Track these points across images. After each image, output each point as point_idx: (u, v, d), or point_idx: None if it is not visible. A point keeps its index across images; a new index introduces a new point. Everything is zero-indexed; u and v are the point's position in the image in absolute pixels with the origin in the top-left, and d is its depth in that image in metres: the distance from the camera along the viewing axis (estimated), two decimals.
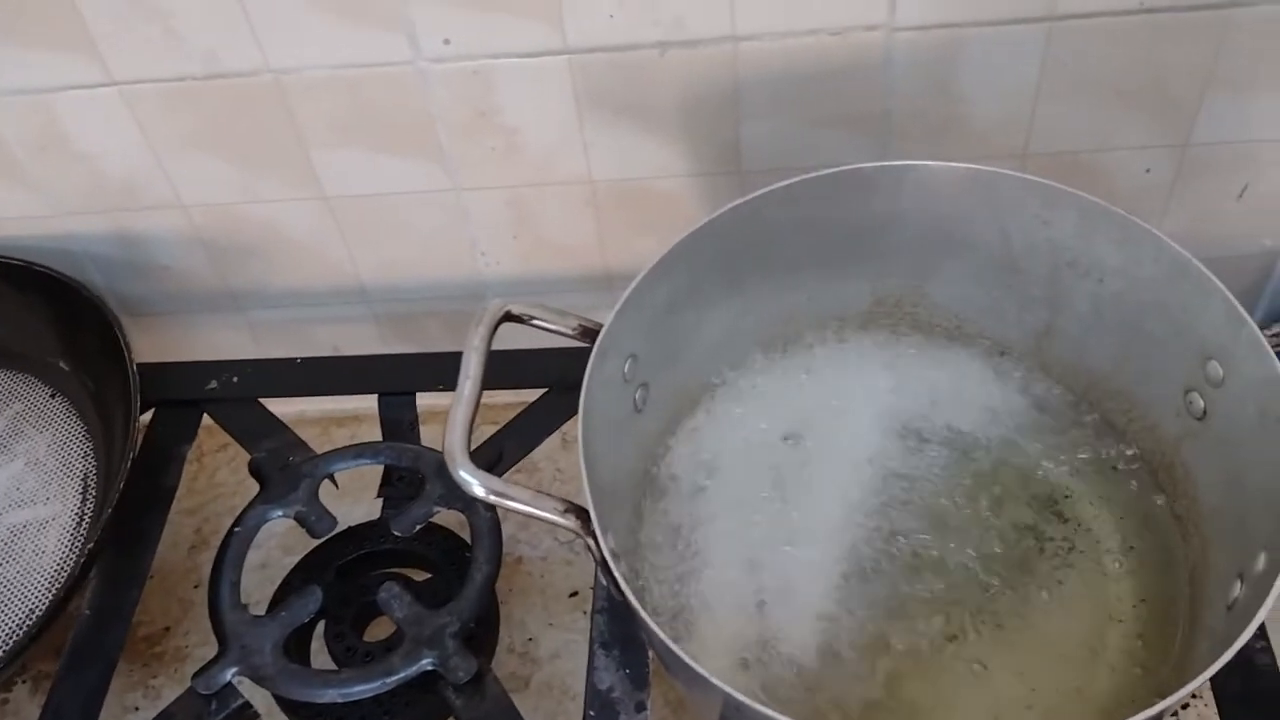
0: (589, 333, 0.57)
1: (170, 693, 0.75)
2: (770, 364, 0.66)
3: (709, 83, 0.67)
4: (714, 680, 0.44)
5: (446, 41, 0.66)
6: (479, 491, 0.50)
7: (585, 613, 0.77)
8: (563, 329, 0.57)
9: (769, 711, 0.43)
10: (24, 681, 0.76)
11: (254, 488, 0.85)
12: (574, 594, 0.78)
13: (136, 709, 0.75)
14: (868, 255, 0.63)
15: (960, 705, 0.54)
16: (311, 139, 0.71)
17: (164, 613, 0.79)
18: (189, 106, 0.70)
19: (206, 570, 0.81)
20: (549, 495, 0.51)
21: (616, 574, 0.47)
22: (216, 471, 0.87)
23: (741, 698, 0.44)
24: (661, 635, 0.45)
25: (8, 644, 0.66)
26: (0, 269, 0.76)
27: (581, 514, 0.50)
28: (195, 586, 0.81)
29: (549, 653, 0.75)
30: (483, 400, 0.86)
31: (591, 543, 0.51)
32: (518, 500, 0.50)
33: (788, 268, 0.63)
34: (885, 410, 0.64)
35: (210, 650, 0.76)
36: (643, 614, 0.46)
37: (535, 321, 0.56)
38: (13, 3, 0.65)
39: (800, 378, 0.65)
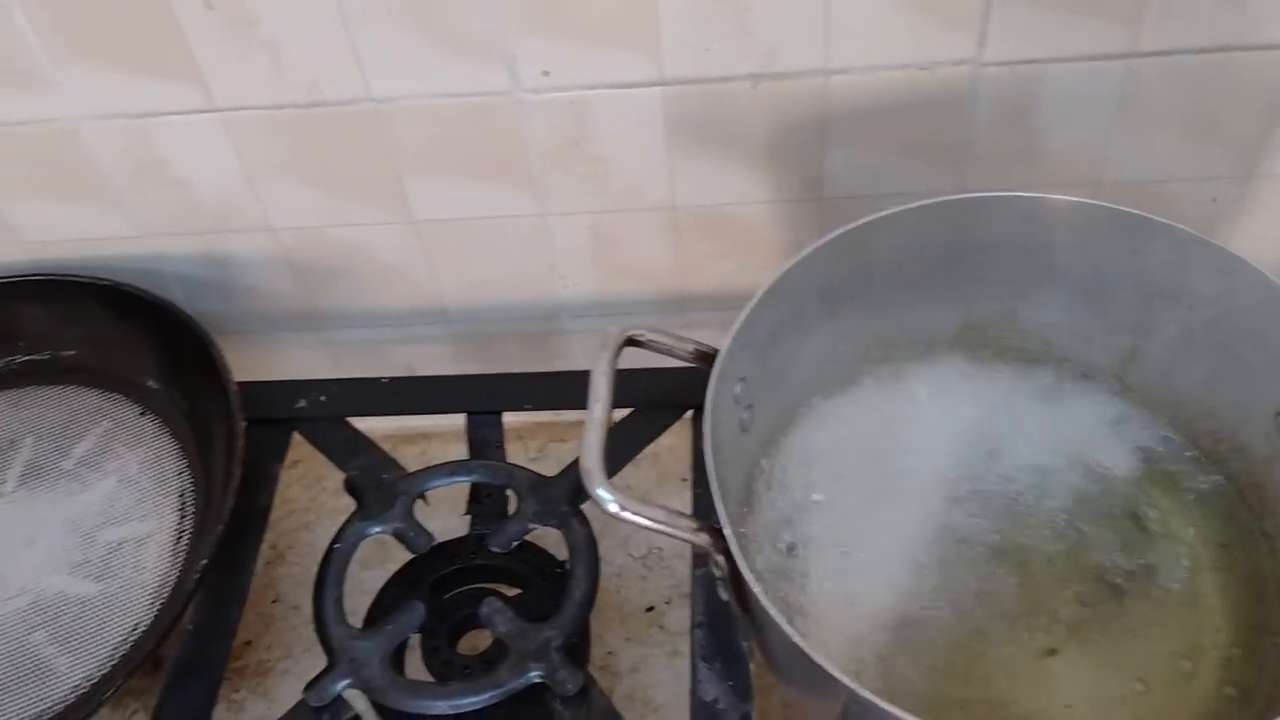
0: (703, 356, 0.59)
1: (254, 706, 0.77)
2: (864, 387, 0.68)
3: (798, 114, 0.70)
4: (845, 680, 0.46)
5: (546, 73, 0.68)
6: (614, 509, 0.52)
7: (662, 627, 0.79)
8: (680, 352, 0.59)
9: (897, 711, 0.45)
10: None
11: (326, 505, 0.87)
12: (650, 609, 0.79)
13: None
14: (960, 282, 0.65)
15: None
16: (405, 165, 0.73)
17: (245, 627, 0.80)
18: (287, 133, 0.71)
19: (283, 585, 0.83)
20: (680, 514, 0.53)
21: (755, 588, 0.49)
22: (289, 488, 0.88)
23: (870, 696, 0.46)
24: (797, 639, 0.47)
25: (113, 659, 0.67)
26: (89, 289, 0.77)
27: (714, 533, 0.52)
28: (274, 601, 0.82)
29: (629, 666, 0.77)
30: (561, 419, 0.89)
31: (721, 559, 0.53)
32: (652, 519, 0.52)
33: (883, 294, 0.65)
34: (972, 432, 0.66)
35: (292, 664, 0.79)
36: (782, 623, 0.48)
37: (654, 345, 0.58)
38: (121, 31, 0.67)
39: (891, 401, 0.68)
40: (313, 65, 0.68)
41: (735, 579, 0.53)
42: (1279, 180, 0.72)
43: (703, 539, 0.53)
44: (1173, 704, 0.56)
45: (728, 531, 0.51)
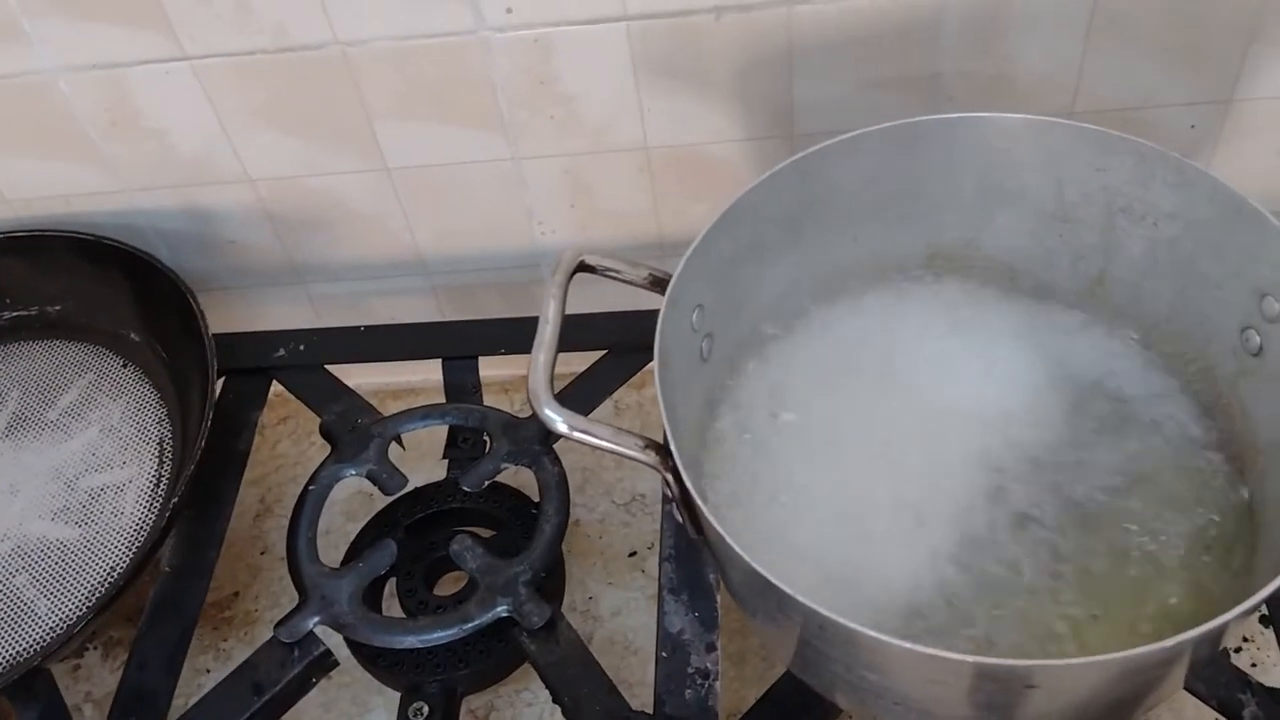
0: (659, 282, 0.59)
1: (240, 654, 0.77)
2: (826, 316, 0.67)
3: (763, 47, 0.69)
4: (798, 596, 0.45)
5: (509, 10, 0.68)
6: (562, 428, 0.52)
7: (644, 572, 0.79)
8: (634, 279, 0.59)
9: (853, 625, 0.44)
10: (95, 647, 0.78)
11: (314, 458, 0.88)
12: (632, 554, 0.80)
13: (208, 671, 0.77)
14: (923, 208, 0.64)
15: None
16: (375, 110, 0.73)
17: (232, 579, 0.81)
18: (258, 80, 0.72)
19: (272, 537, 0.84)
20: (628, 432, 0.53)
21: (698, 501, 0.49)
22: (278, 443, 0.89)
23: (825, 611, 0.45)
24: (745, 556, 0.47)
25: (91, 600, 0.68)
26: (71, 243, 0.78)
27: (661, 449, 0.52)
28: (262, 553, 0.83)
29: (610, 610, 0.77)
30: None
31: (670, 478, 0.53)
32: (599, 437, 0.52)
33: (844, 221, 0.64)
34: (936, 356, 0.65)
35: (278, 613, 0.78)
36: (728, 539, 0.48)
37: (608, 271, 0.58)
38: None
39: (854, 329, 0.67)
40: (278, 8, 0.68)
41: (685, 499, 0.53)
42: (1259, 104, 0.71)
43: (650, 456, 0.52)
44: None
45: (674, 448, 0.51)
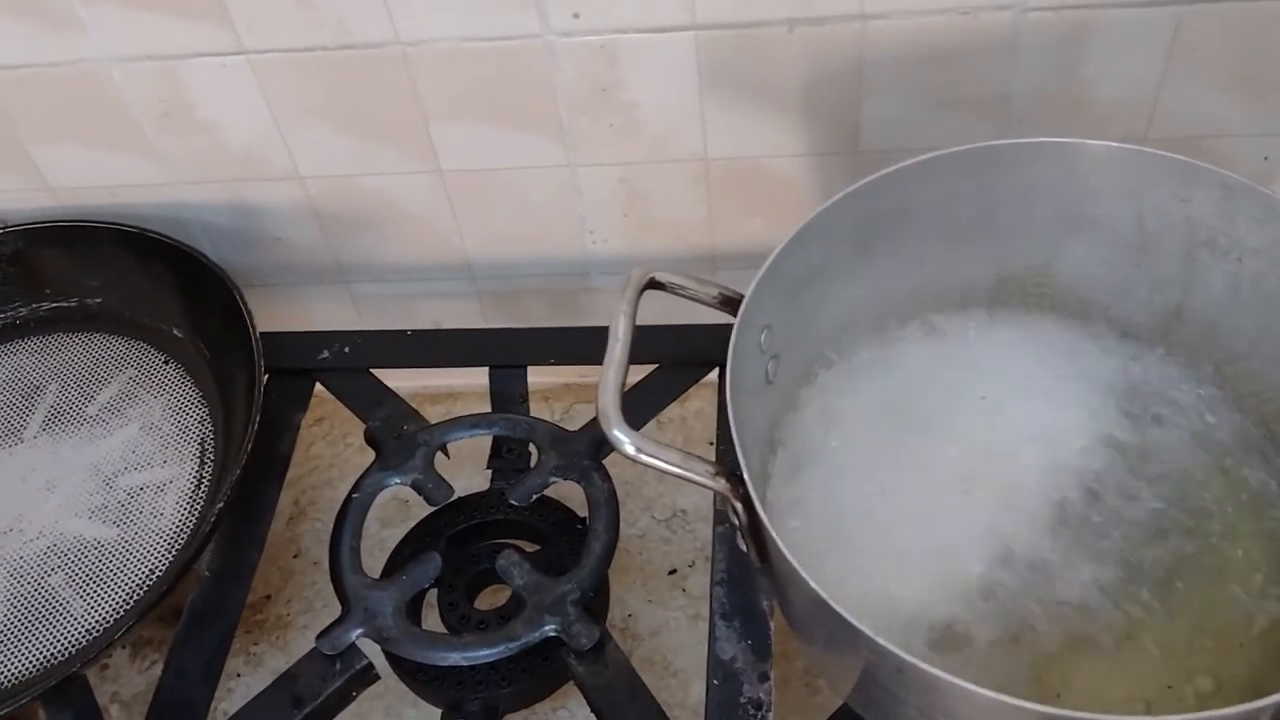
0: (729, 302, 0.57)
1: (272, 660, 0.76)
2: (890, 340, 0.66)
3: (834, 61, 0.68)
4: (881, 640, 0.44)
5: (576, 15, 0.67)
6: (630, 450, 0.51)
7: (684, 590, 0.77)
8: (704, 297, 0.57)
9: (942, 674, 0.43)
10: (124, 647, 0.77)
11: (350, 460, 0.87)
12: (673, 571, 0.78)
13: (239, 675, 0.75)
14: (996, 233, 0.63)
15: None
16: (432, 111, 0.72)
17: (264, 581, 0.80)
18: (316, 77, 0.70)
19: (305, 540, 0.83)
20: (698, 458, 0.51)
21: (774, 535, 0.47)
22: (313, 445, 0.88)
23: (911, 658, 0.44)
24: (824, 594, 0.45)
25: (129, 603, 0.67)
26: (116, 235, 0.77)
27: (731, 476, 0.51)
28: (295, 556, 0.82)
29: (649, 629, 0.75)
30: (588, 380, 0.87)
31: (740, 506, 0.51)
32: (668, 461, 0.51)
33: (914, 244, 0.63)
34: (1000, 384, 0.64)
35: (312, 618, 0.78)
36: (803, 573, 0.46)
37: (678, 289, 0.57)
38: None
39: (920, 355, 0.66)
40: (340, 4, 0.67)
41: (754, 527, 0.51)
42: None
43: (720, 484, 0.51)
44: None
45: (747, 476, 0.50)
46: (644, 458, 0.51)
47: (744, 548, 0.54)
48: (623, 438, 0.50)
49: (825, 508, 0.60)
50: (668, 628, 0.76)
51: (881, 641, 0.44)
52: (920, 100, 0.69)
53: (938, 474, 0.61)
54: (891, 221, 0.61)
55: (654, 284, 0.56)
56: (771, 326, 0.59)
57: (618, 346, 0.53)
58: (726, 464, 0.52)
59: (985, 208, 0.62)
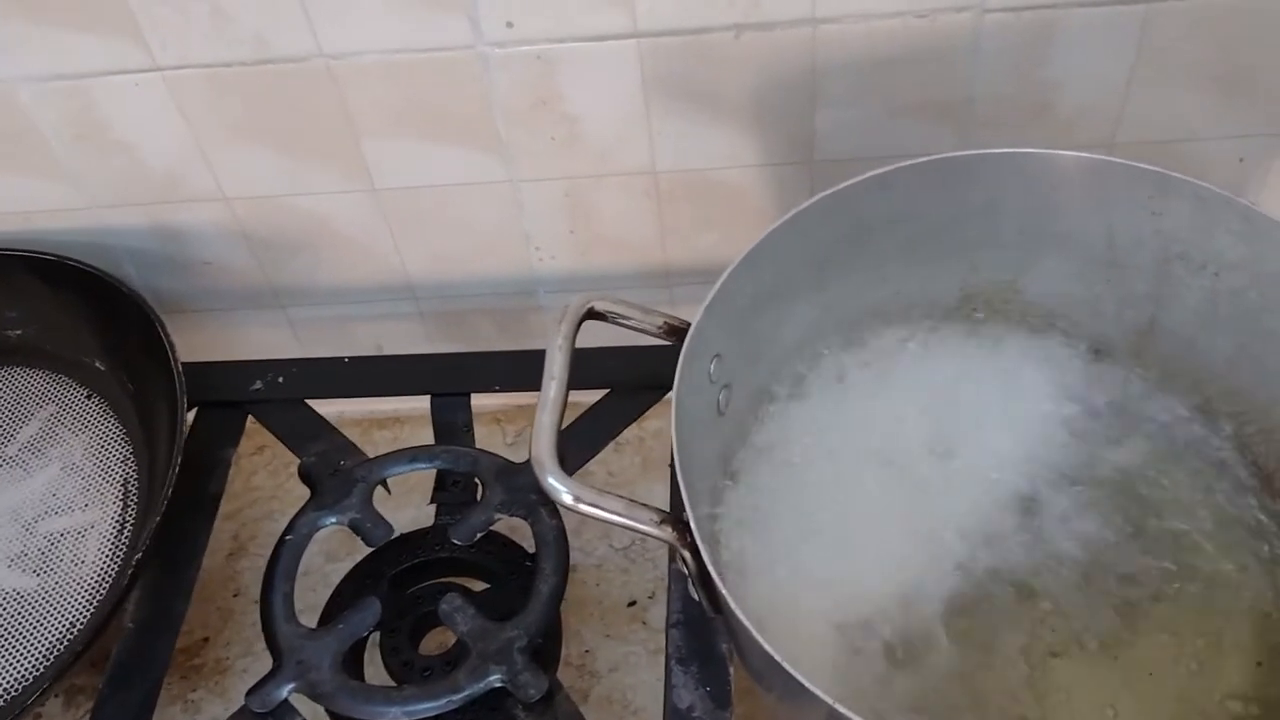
0: (674, 331, 0.54)
1: (210, 707, 0.72)
2: (849, 362, 0.63)
3: (784, 67, 0.64)
4: (838, 706, 0.40)
5: (510, 25, 0.63)
6: (568, 500, 0.47)
7: (644, 624, 0.74)
8: (647, 326, 0.54)
9: None
10: (57, 695, 0.73)
11: (292, 492, 0.83)
12: (632, 603, 0.75)
13: None
14: (959, 248, 0.60)
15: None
16: (363, 128, 0.68)
17: (202, 623, 0.76)
18: (235, 93, 0.66)
19: (246, 578, 0.78)
20: (644, 505, 0.48)
21: (724, 591, 0.44)
22: (253, 475, 0.84)
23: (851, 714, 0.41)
24: (777, 656, 0.42)
25: (49, 659, 0.63)
26: (32, 264, 0.73)
27: (679, 525, 0.47)
28: (235, 595, 0.77)
29: (607, 665, 0.72)
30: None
31: (688, 555, 0.48)
32: (610, 510, 0.47)
33: (873, 262, 0.60)
34: (965, 405, 0.61)
35: (252, 662, 0.74)
36: (754, 632, 0.43)
37: (619, 319, 0.53)
38: None
39: (879, 376, 0.62)
40: (257, 16, 0.63)
41: (704, 577, 0.48)
42: None
43: (667, 533, 0.47)
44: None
45: (694, 525, 0.46)
46: (583, 507, 0.47)
47: (695, 596, 0.51)
48: (559, 487, 0.47)
49: (782, 536, 0.56)
50: (626, 664, 0.72)
51: (841, 709, 0.41)
52: (878, 107, 0.66)
53: (899, 499, 0.58)
54: (847, 239, 0.58)
55: (593, 314, 0.53)
56: (721, 355, 0.55)
57: (553, 386, 0.49)
58: (674, 510, 0.48)
59: (948, 221, 0.58)
